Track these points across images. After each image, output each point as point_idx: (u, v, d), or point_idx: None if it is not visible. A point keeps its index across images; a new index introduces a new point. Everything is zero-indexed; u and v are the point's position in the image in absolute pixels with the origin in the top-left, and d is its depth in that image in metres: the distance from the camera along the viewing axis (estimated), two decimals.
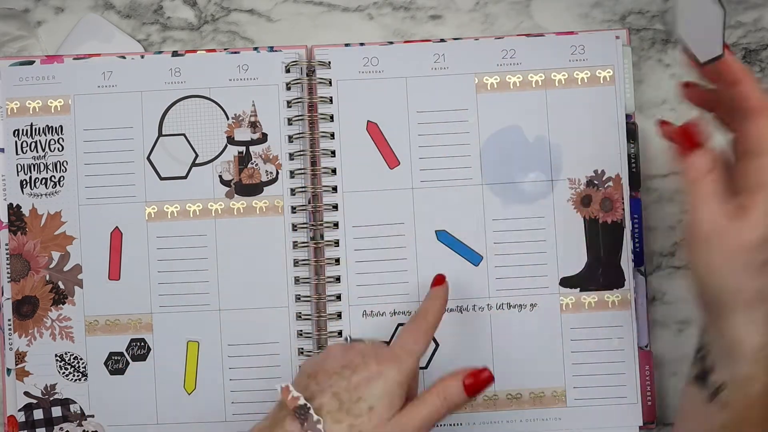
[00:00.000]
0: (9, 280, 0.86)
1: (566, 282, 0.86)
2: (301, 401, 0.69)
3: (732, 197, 0.67)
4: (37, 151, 0.87)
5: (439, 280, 0.82)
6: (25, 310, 0.86)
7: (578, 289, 0.86)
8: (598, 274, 0.86)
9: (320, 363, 0.74)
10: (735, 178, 0.69)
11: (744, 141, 0.69)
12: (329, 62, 0.87)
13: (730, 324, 0.67)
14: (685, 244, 0.72)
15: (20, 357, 0.86)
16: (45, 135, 0.87)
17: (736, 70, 0.69)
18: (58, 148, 0.87)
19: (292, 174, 0.87)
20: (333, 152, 0.87)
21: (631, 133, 0.87)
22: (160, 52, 0.89)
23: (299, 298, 0.86)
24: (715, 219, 0.67)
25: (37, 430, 0.86)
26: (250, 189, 0.87)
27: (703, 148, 0.69)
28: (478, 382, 0.73)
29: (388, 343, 0.85)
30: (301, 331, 0.86)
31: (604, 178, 0.86)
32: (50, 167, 0.87)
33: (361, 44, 0.88)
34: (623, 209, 0.86)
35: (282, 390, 0.71)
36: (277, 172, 0.87)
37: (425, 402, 0.72)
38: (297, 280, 0.86)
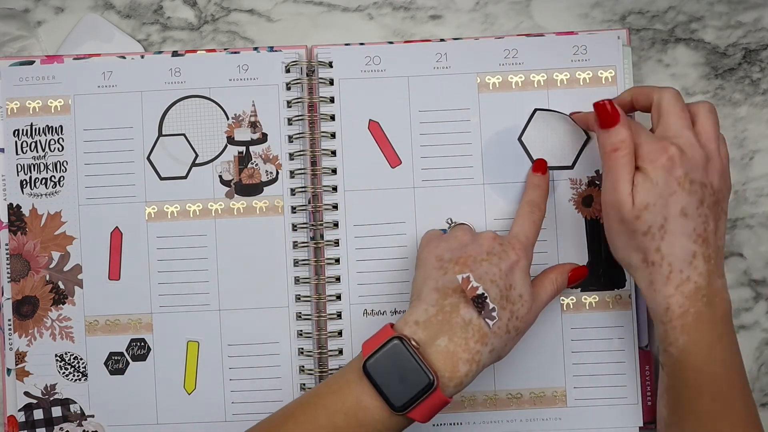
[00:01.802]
0: (9, 280, 0.86)
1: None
2: (480, 290, 0.72)
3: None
4: (37, 151, 0.87)
5: (541, 166, 0.85)
6: (25, 310, 0.86)
7: (579, 289, 0.86)
8: (599, 274, 0.86)
9: (459, 249, 0.77)
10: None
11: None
12: (329, 62, 0.87)
13: (643, 291, 0.77)
14: (607, 225, 0.79)
15: (20, 357, 0.86)
16: (45, 135, 0.87)
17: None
18: (58, 148, 0.87)
19: (292, 174, 0.87)
20: (333, 152, 0.87)
21: None
22: (160, 52, 0.89)
23: (299, 298, 0.86)
24: (616, 191, 0.75)
25: (37, 430, 0.86)
26: (250, 189, 0.87)
27: (622, 120, 0.76)
28: (579, 275, 0.84)
29: None
30: (301, 331, 0.86)
31: None
32: (50, 167, 0.87)
33: (361, 44, 0.88)
34: None
35: (462, 280, 0.73)
36: (277, 172, 0.87)
37: (545, 288, 0.80)
38: (297, 280, 0.86)
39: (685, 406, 0.75)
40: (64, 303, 0.86)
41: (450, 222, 0.84)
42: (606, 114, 0.77)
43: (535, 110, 0.87)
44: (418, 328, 0.73)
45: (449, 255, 0.76)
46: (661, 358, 0.76)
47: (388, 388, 0.71)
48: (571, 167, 0.86)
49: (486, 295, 0.72)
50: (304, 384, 0.86)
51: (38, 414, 0.86)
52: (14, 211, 0.87)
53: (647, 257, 0.75)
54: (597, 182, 0.86)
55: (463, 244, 0.77)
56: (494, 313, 0.72)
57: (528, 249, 0.78)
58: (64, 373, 0.86)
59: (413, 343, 0.71)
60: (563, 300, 0.86)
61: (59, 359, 0.86)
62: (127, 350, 0.87)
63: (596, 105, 0.77)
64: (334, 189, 0.87)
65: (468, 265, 0.74)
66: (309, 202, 0.87)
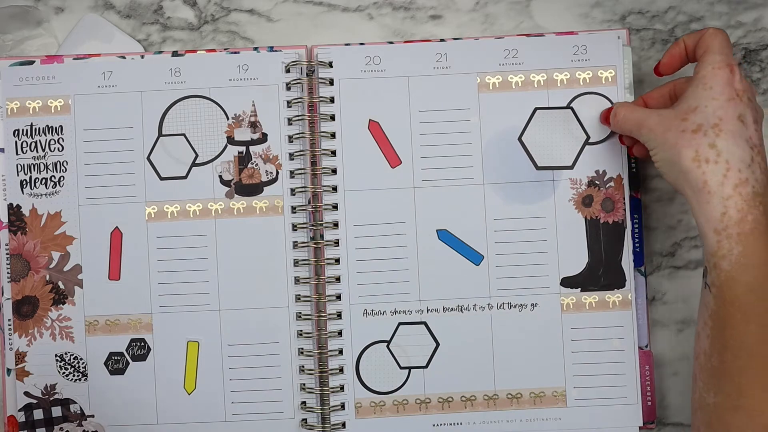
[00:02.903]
0: (9, 280, 0.86)
1: (567, 282, 0.86)
2: None
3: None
4: (37, 151, 0.87)
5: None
6: (25, 310, 0.86)
7: (579, 289, 0.86)
8: (599, 274, 0.86)
9: None
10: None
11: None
12: (329, 62, 0.87)
13: (695, 198, 0.73)
14: (651, 152, 0.78)
15: (20, 357, 0.86)
16: (45, 135, 0.87)
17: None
18: (58, 148, 0.87)
19: (292, 174, 0.87)
20: (333, 152, 0.87)
21: None
22: (160, 52, 0.89)
23: (299, 298, 0.86)
24: (659, 115, 0.76)
25: (37, 430, 0.86)
26: (250, 189, 0.87)
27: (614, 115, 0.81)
28: None
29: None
30: (301, 331, 0.86)
31: (605, 179, 0.86)
32: (50, 167, 0.87)
33: (361, 44, 0.88)
34: (624, 210, 0.86)
35: None
36: (277, 172, 0.87)
37: None
38: (297, 280, 0.86)
39: (730, 332, 0.71)
40: (64, 303, 0.86)
41: None
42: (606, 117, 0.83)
43: (535, 110, 0.87)
44: None
45: None
46: (709, 278, 0.72)
47: None
48: (571, 167, 0.87)
49: None
50: (304, 384, 0.86)
51: (38, 414, 0.86)
52: (14, 211, 0.87)
53: (699, 154, 0.72)
54: (596, 182, 0.86)
55: None
56: None
57: None
58: (64, 373, 0.86)
59: None
60: (563, 300, 0.86)
61: (59, 359, 0.86)
62: (127, 350, 0.87)
63: (601, 117, 0.85)
64: (334, 189, 0.87)
65: None
66: (309, 202, 0.87)
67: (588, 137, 0.87)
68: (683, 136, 0.73)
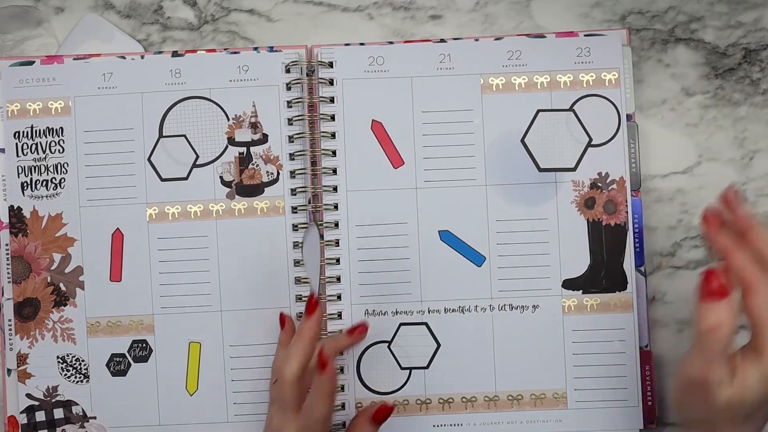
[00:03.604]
0: (9, 280, 0.86)
1: (569, 284, 0.86)
2: None
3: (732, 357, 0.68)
4: (37, 153, 0.87)
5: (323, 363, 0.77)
6: (27, 312, 0.86)
7: (581, 291, 0.86)
8: (600, 276, 0.86)
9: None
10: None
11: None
12: (330, 62, 0.87)
13: None
14: (678, 387, 0.71)
15: (22, 359, 0.86)
16: (45, 137, 0.87)
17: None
18: (59, 150, 0.87)
19: (292, 174, 0.87)
20: (334, 152, 0.87)
21: (631, 132, 0.87)
22: (160, 52, 0.89)
23: (300, 298, 0.86)
24: (705, 371, 0.66)
25: None
26: (250, 190, 0.87)
27: (727, 299, 0.66)
28: (381, 414, 0.81)
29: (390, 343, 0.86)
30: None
31: (608, 181, 0.86)
32: (51, 169, 0.87)
33: (361, 44, 0.88)
34: (627, 212, 0.86)
35: None
36: (278, 173, 0.87)
37: None
38: (297, 280, 0.86)
39: None
40: (65, 305, 0.86)
41: None
42: (710, 289, 0.66)
43: (538, 112, 0.87)
44: None
45: None
46: None
47: None
48: (574, 169, 0.87)
49: None
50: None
51: (40, 416, 0.86)
52: (15, 213, 0.86)
53: None
54: (599, 184, 0.86)
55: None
56: None
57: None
58: (65, 374, 0.86)
59: None
60: (564, 302, 0.86)
61: (61, 361, 0.86)
62: (128, 351, 0.87)
63: (706, 273, 0.66)
64: (335, 189, 0.87)
65: None
66: (309, 202, 0.87)
67: (590, 139, 0.87)
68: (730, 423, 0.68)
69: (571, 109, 0.87)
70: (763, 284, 0.66)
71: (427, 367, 0.87)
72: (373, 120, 0.87)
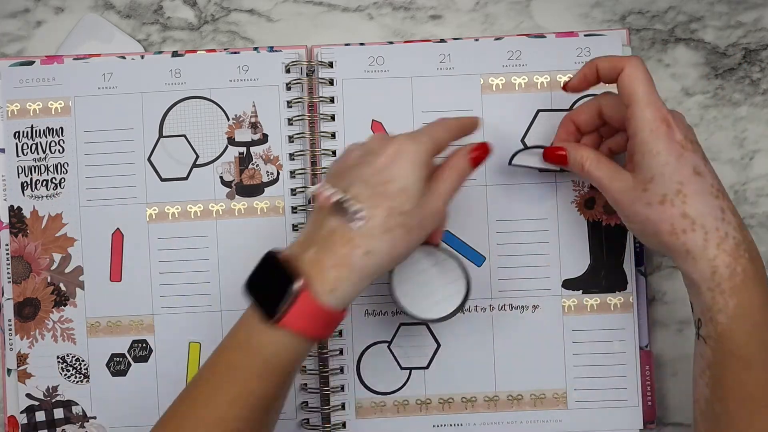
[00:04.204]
0: (9, 280, 0.86)
1: (569, 284, 0.86)
2: (337, 196, 0.68)
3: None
4: (37, 153, 0.87)
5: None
6: (27, 312, 0.86)
7: (581, 291, 0.86)
8: (600, 276, 0.86)
9: (342, 161, 0.74)
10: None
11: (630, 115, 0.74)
12: (330, 62, 0.87)
13: (681, 264, 0.73)
14: (622, 220, 0.77)
15: (22, 359, 0.86)
16: (45, 137, 0.87)
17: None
18: (59, 150, 0.87)
19: (292, 174, 0.87)
20: (334, 152, 0.87)
21: None
22: (160, 52, 0.89)
23: None
24: (621, 181, 0.74)
25: None
26: (250, 190, 0.87)
27: (567, 148, 0.79)
28: (480, 154, 0.76)
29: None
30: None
31: None
32: (51, 169, 0.87)
33: (361, 44, 0.88)
34: None
35: (316, 194, 0.71)
36: (278, 173, 0.87)
37: (444, 177, 0.73)
38: None
39: (732, 379, 0.70)
40: (65, 305, 0.86)
41: None
42: (555, 157, 0.79)
43: (538, 112, 0.87)
44: (295, 246, 0.70)
45: (333, 170, 0.73)
46: (704, 331, 0.72)
47: (262, 299, 0.69)
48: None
49: (344, 199, 0.68)
50: (305, 384, 0.86)
51: (40, 416, 0.86)
52: (15, 213, 0.86)
53: (674, 227, 0.71)
54: None
55: (346, 157, 0.74)
56: (359, 215, 0.68)
57: (418, 137, 0.72)
58: (65, 374, 0.86)
59: (282, 255, 0.70)
60: (564, 302, 0.86)
61: (61, 361, 0.86)
62: (128, 351, 0.87)
63: (545, 155, 0.80)
64: None
65: (342, 174, 0.71)
66: (309, 202, 0.87)
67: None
68: (651, 210, 0.72)
69: (571, 109, 0.87)
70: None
71: (427, 367, 0.87)
72: (373, 120, 0.87)
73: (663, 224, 0.72)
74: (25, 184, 0.87)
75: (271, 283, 0.69)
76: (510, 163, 0.83)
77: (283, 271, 0.68)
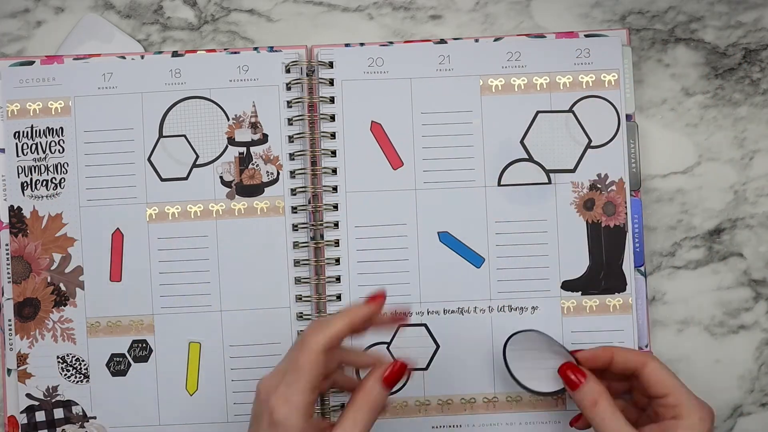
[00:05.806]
0: (9, 280, 0.86)
1: (568, 285, 0.86)
2: None
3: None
4: (37, 153, 0.87)
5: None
6: (27, 312, 0.86)
7: (580, 292, 0.86)
8: (599, 277, 0.86)
9: None
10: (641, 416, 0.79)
11: (646, 388, 0.76)
12: (330, 62, 0.87)
13: None
14: None
15: (22, 359, 0.86)
16: (45, 137, 0.87)
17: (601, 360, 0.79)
18: (59, 150, 0.87)
19: (292, 174, 0.87)
20: (333, 152, 0.87)
21: (631, 132, 0.87)
22: (160, 52, 0.89)
23: (300, 299, 0.86)
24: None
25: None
26: (250, 190, 0.87)
27: (588, 378, 0.76)
28: (393, 374, 0.71)
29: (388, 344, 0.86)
30: (302, 331, 0.86)
31: (607, 182, 0.86)
32: (51, 169, 0.87)
33: (361, 44, 0.88)
34: (626, 213, 0.86)
35: None
36: (278, 173, 0.87)
37: (355, 409, 0.69)
38: (297, 280, 0.87)
39: None
40: (65, 305, 0.86)
41: None
42: (570, 380, 0.77)
43: (538, 113, 0.87)
44: None
45: None
46: None
47: None
48: (573, 170, 0.87)
49: None
50: None
51: (40, 416, 0.86)
52: (15, 213, 0.87)
53: None
54: (598, 186, 0.86)
55: None
56: None
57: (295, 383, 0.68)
58: (65, 374, 0.86)
59: None
60: (564, 303, 0.86)
61: (61, 361, 0.86)
62: (128, 351, 0.87)
63: (560, 370, 0.78)
64: (335, 189, 0.87)
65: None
66: (309, 202, 0.87)
67: (590, 141, 0.87)
68: None
69: (570, 110, 0.87)
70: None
71: (426, 368, 0.87)
72: (372, 121, 0.87)
73: None
74: (25, 184, 0.87)
75: None
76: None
77: None
